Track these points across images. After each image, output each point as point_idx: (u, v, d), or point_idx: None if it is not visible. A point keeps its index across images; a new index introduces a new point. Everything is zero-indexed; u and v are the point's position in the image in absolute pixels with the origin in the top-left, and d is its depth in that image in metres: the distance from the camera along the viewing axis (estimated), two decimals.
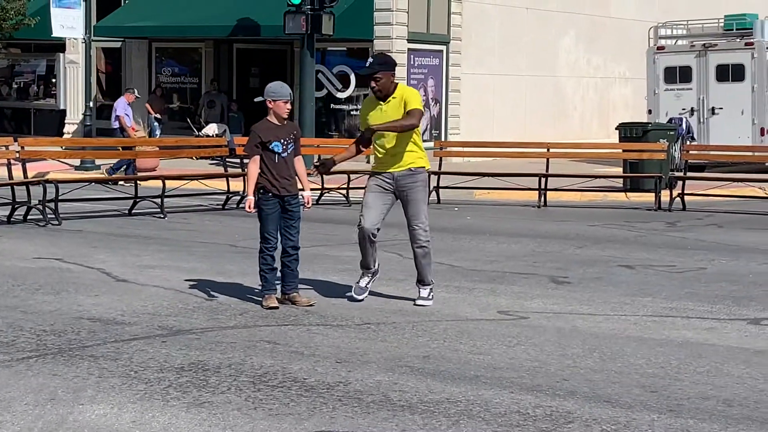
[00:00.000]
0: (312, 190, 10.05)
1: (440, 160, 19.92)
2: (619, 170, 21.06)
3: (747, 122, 24.00)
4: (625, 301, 9.62)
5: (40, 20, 27.65)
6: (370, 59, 9.40)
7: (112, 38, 28.85)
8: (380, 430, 5.84)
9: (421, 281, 9.40)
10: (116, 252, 12.29)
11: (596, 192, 19.67)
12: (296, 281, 9.34)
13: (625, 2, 31.59)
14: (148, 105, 27.40)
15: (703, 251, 12.84)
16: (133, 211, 16.41)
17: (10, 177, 15.86)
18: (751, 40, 24.20)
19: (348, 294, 9.52)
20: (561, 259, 12.17)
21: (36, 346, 7.64)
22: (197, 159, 23.57)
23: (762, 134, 23.82)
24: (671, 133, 20.93)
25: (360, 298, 9.41)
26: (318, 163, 9.74)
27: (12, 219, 15.07)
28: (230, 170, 18.60)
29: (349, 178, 18.60)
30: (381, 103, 9.23)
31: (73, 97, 30.34)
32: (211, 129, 26.30)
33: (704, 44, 24.73)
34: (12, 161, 16.03)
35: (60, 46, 30.23)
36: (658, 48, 25.34)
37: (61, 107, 31.07)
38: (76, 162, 23.35)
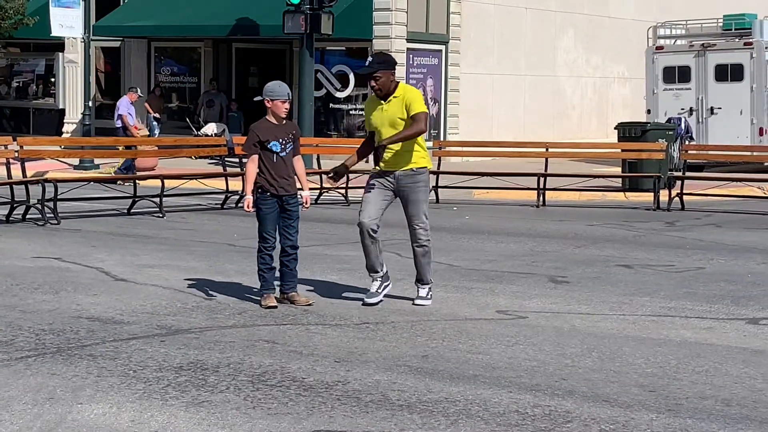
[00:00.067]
0: (311, 189, 10.03)
1: (439, 159, 19.92)
2: (617, 170, 21.07)
3: (746, 122, 24.01)
4: (624, 301, 9.62)
5: (39, 19, 27.64)
6: (370, 58, 9.32)
7: (111, 38, 28.85)
8: (379, 429, 5.84)
9: (420, 280, 9.39)
10: (115, 251, 12.29)
11: (595, 192, 19.67)
12: (295, 281, 9.34)
13: (624, 2, 31.60)
14: (147, 104, 27.40)
15: (701, 251, 12.85)
16: (132, 210, 16.41)
17: (9, 176, 15.87)
18: (750, 40, 24.21)
19: (362, 299, 9.42)
20: (560, 258, 12.18)
21: (35, 346, 7.64)
22: (196, 158, 23.59)
23: (761, 134, 23.83)
24: (670, 132, 20.94)
25: (370, 301, 9.18)
26: (332, 174, 9.60)
27: (11, 218, 15.07)
28: (229, 170, 18.60)
29: (348, 177, 18.58)
30: (382, 102, 9.19)
31: (72, 96, 30.35)
32: (210, 128, 26.31)
33: (703, 44, 24.74)
34: (11, 160, 16.05)
35: (59, 45, 30.24)
36: (657, 48, 25.34)
37: (60, 107, 31.07)
38: (75, 161, 23.36)
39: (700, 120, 24.60)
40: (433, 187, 18.03)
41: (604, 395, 6.52)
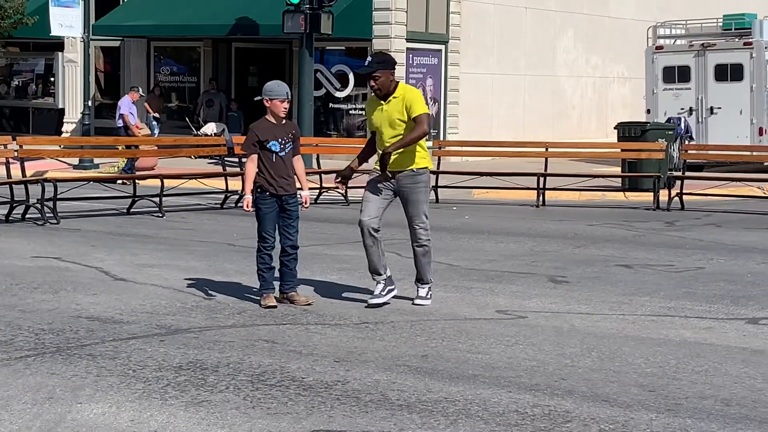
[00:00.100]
0: (310, 189, 10.03)
1: (439, 159, 19.93)
2: (617, 170, 21.07)
3: (745, 122, 24.02)
4: (624, 301, 9.62)
5: (38, 19, 27.64)
6: (369, 58, 9.29)
7: (110, 37, 28.86)
8: (378, 429, 5.84)
9: (419, 280, 9.38)
10: (114, 251, 12.29)
11: (595, 191, 19.66)
12: (295, 280, 9.33)
13: (624, 2, 31.60)
14: (146, 104, 27.39)
15: (701, 251, 12.85)
16: (132, 210, 16.41)
17: (9, 176, 15.88)
18: (750, 40, 24.22)
19: (363, 300, 9.40)
20: (559, 258, 12.18)
21: (34, 345, 7.64)
22: (196, 158, 23.60)
23: (760, 134, 23.83)
24: (670, 132, 20.94)
25: (374, 302, 9.08)
26: (339, 179, 9.52)
27: (10, 218, 15.06)
28: (228, 169, 18.61)
29: None
30: (382, 102, 9.16)
31: (71, 96, 30.35)
32: (210, 128, 26.31)
33: (703, 44, 24.75)
34: (10, 160, 16.04)
35: (58, 45, 30.24)
36: (657, 47, 25.35)
37: (60, 106, 31.08)
38: (75, 161, 23.36)
39: (700, 120, 24.61)
40: (432, 186, 18.02)
41: (603, 395, 6.52)
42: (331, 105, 26.58)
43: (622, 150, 20.21)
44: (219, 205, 17.57)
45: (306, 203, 9.48)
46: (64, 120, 30.60)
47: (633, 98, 30.42)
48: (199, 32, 27.18)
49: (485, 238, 13.93)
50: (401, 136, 9.08)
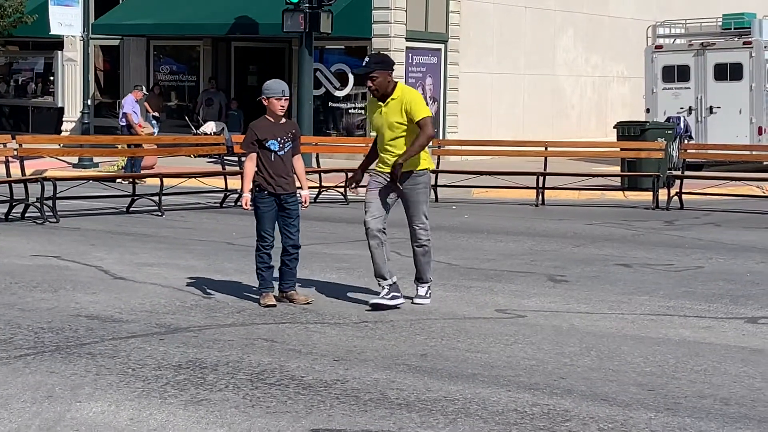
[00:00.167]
0: (310, 188, 10.02)
1: (438, 158, 19.93)
2: (617, 169, 21.07)
3: (745, 121, 24.02)
4: (623, 300, 9.62)
5: (38, 18, 27.63)
6: (367, 58, 9.27)
7: (110, 36, 28.85)
8: (378, 428, 5.84)
9: (419, 279, 9.38)
10: (114, 250, 12.29)
11: (594, 191, 19.67)
12: (294, 279, 9.33)
13: (623, 1, 31.60)
14: (146, 103, 27.39)
15: (700, 250, 12.85)
16: (131, 208, 16.41)
17: (8, 174, 15.87)
18: (749, 39, 24.22)
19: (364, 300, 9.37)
20: (559, 257, 12.18)
21: (33, 344, 7.64)
22: (195, 157, 23.59)
23: (760, 133, 23.83)
24: (669, 132, 20.94)
25: (375, 302, 8.97)
26: (353, 185, 9.41)
27: (10, 216, 15.06)
28: (228, 168, 18.61)
29: (347, 176, 18.44)
30: (381, 104, 9.12)
31: (71, 94, 30.35)
32: (209, 127, 26.30)
33: (702, 43, 24.75)
34: (10, 159, 16.04)
35: (58, 43, 30.23)
36: (657, 47, 25.35)
37: (59, 105, 31.07)
38: (74, 160, 23.37)
39: (699, 119, 24.61)
40: (432, 186, 18.01)
41: (602, 394, 6.53)
42: (330, 104, 26.58)
43: (622, 149, 20.21)
44: (218, 204, 17.58)
45: (306, 203, 9.48)
46: (63, 119, 30.60)
47: (632, 97, 30.42)
48: (198, 31, 27.17)
49: (484, 237, 13.93)
50: (401, 138, 9.05)
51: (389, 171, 9.10)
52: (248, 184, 9.25)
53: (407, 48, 25.85)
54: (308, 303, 9.17)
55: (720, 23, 25.30)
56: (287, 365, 7.10)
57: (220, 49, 28.82)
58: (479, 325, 8.55)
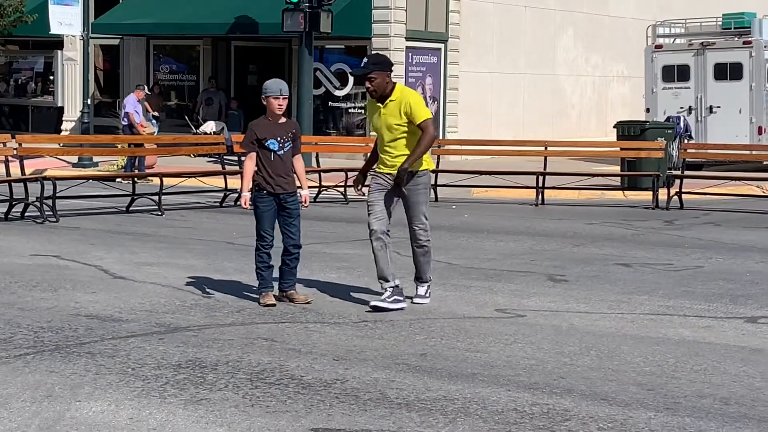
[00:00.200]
0: (309, 188, 10.02)
1: (438, 158, 19.93)
2: (616, 168, 21.07)
3: (745, 121, 24.02)
4: (622, 300, 9.62)
5: (38, 17, 27.62)
6: (365, 59, 9.24)
7: (110, 35, 28.84)
8: (377, 427, 5.84)
9: (419, 278, 9.37)
10: (114, 249, 12.29)
11: (594, 190, 19.67)
12: (294, 279, 9.33)
13: (623, 1, 31.61)
14: (146, 103, 27.39)
15: (700, 249, 12.85)
16: (131, 208, 16.41)
17: (8, 174, 15.86)
18: (749, 39, 24.23)
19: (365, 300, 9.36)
20: (558, 257, 12.18)
21: (33, 343, 7.64)
22: (195, 156, 23.58)
23: (760, 133, 23.84)
24: (669, 131, 20.94)
25: (375, 304, 8.92)
26: (360, 188, 9.36)
27: (9, 216, 15.06)
28: (228, 168, 18.61)
29: (346, 175, 18.59)
30: (380, 106, 9.09)
31: (70, 94, 30.34)
32: (209, 126, 26.30)
33: (702, 43, 24.75)
34: (10, 158, 16.04)
35: (58, 43, 30.22)
36: (656, 46, 25.35)
37: (59, 104, 31.07)
38: (74, 159, 23.38)
39: (699, 119, 24.61)
40: (432, 185, 18.01)
41: (602, 394, 6.53)
42: (330, 103, 26.58)
43: (622, 149, 20.22)
44: (218, 204, 17.58)
45: (306, 202, 9.47)
46: (63, 118, 30.59)
47: (632, 97, 30.42)
48: (198, 30, 27.17)
49: (484, 237, 13.93)
50: (400, 139, 9.02)
51: (389, 172, 9.09)
52: (247, 184, 9.25)
53: (407, 47, 25.85)
54: (308, 303, 9.17)
55: (720, 23, 25.30)
56: (287, 365, 7.10)
57: (220, 49, 28.82)
58: (479, 324, 8.55)
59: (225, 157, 19.11)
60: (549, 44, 29.50)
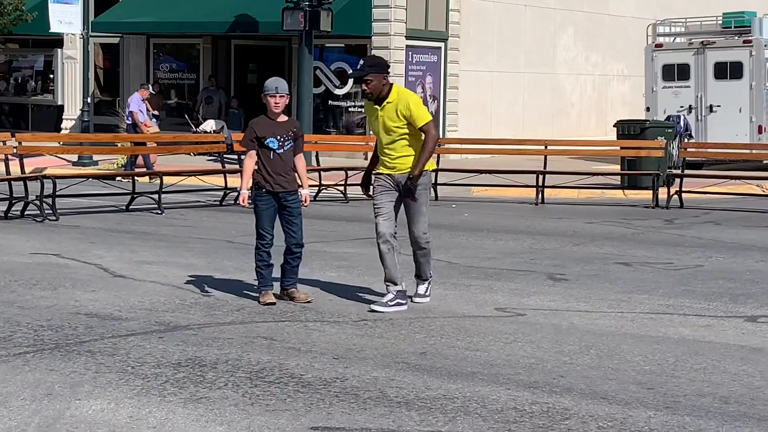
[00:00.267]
0: (309, 186, 10.01)
1: (438, 156, 19.92)
2: (616, 167, 21.07)
3: (745, 120, 24.02)
4: (622, 299, 9.62)
5: (38, 15, 27.62)
6: (361, 61, 9.21)
7: (109, 34, 28.84)
8: (377, 426, 5.84)
9: (419, 276, 9.36)
10: (113, 248, 12.29)
11: (594, 189, 19.67)
12: (296, 277, 9.33)
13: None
14: (146, 102, 27.38)
15: (700, 248, 12.85)
16: (131, 206, 16.41)
17: (8, 172, 15.86)
18: (749, 38, 24.22)
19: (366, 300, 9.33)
20: (558, 256, 12.18)
21: (33, 342, 7.64)
22: (195, 155, 23.59)
23: (760, 132, 23.83)
24: (669, 130, 20.95)
25: (377, 309, 8.85)
26: (366, 189, 9.33)
27: (9, 214, 15.06)
28: (227, 166, 18.61)
29: (346, 174, 18.60)
30: (377, 108, 9.04)
31: (70, 92, 30.33)
32: (209, 125, 26.30)
33: (702, 42, 24.75)
34: (9, 156, 16.04)
35: (58, 41, 30.22)
36: (657, 45, 25.35)
37: (59, 103, 31.06)
38: (74, 158, 23.38)
39: (699, 118, 24.61)
40: (432, 184, 18.01)
41: (602, 392, 6.53)
42: (330, 102, 26.58)
43: (622, 148, 20.21)
44: (218, 203, 17.58)
45: (306, 202, 9.45)
46: (63, 117, 30.58)
47: (632, 96, 30.42)
48: (198, 29, 27.17)
49: (484, 236, 13.93)
50: (399, 141, 8.97)
51: (389, 173, 9.08)
52: (246, 182, 9.25)
53: (407, 46, 25.85)
54: (308, 302, 9.17)
55: (720, 22, 25.30)
56: (286, 363, 7.11)
57: (220, 47, 28.81)
58: (479, 323, 8.55)
59: (225, 155, 19.11)
60: (549, 43, 29.50)
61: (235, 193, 17.03)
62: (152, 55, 29.39)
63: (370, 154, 9.49)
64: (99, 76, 30.40)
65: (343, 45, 26.44)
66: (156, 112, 27.40)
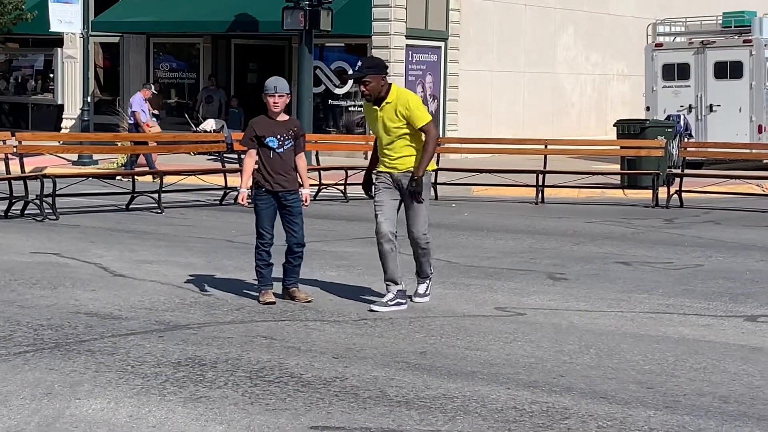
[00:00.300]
0: (310, 186, 10.01)
1: (438, 156, 19.91)
2: (616, 167, 21.07)
3: (745, 119, 24.02)
4: (622, 298, 9.62)
5: (38, 15, 27.61)
6: (359, 63, 9.19)
7: (110, 33, 28.84)
8: (377, 425, 5.84)
9: (419, 274, 9.35)
10: (113, 247, 12.29)
11: (594, 189, 19.68)
12: (297, 277, 9.32)
13: None
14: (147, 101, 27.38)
15: (700, 248, 12.85)
16: (131, 206, 16.41)
17: (8, 172, 15.86)
18: (749, 38, 24.22)
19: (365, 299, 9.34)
20: (558, 255, 12.18)
21: (33, 341, 7.64)
22: (195, 154, 23.59)
23: (760, 131, 23.84)
24: (669, 130, 20.95)
25: (377, 309, 8.86)
26: (368, 189, 9.33)
27: (9, 214, 15.06)
28: (227, 166, 18.61)
29: (346, 173, 18.60)
30: (376, 108, 9.03)
31: (70, 92, 30.33)
32: (209, 125, 26.30)
33: (702, 41, 24.75)
34: (9, 156, 16.04)
35: (58, 40, 30.21)
36: (657, 45, 25.35)
37: (59, 102, 31.06)
38: (74, 157, 23.37)
39: (699, 117, 24.61)
40: (432, 183, 18.01)
41: (601, 392, 6.53)
42: (330, 102, 26.58)
43: (622, 147, 20.22)
44: (218, 202, 17.58)
45: (306, 202, 9.45)
46: (63, 116, 30.58)
47: (632, 95, 30.42)
48: (198, 28, 27.17)
49: (484, 235, 13.93)
50: (399, 141, 8.96)
51: (389, 171, 9.07)
52: (246, 180, 9.25)
53: (407, 46, 25.85)
54: (308, 301, 9.17)
55: (720, 21, 25.30)
56: (286, 362, 7.11)
57: (220, 47, 28.81)
58: (478, 322, 8.55)
59: (225, 155, 19.11)
60: (549, 43, 29.50)
61: (235, 193, 17.03)
62: (152, 54, 29.39)
63: (369, 154, 9.47)
64: (99, 76, 30.40)
65: (343, 44, 26.45)
66: (156, 112, 27.41)
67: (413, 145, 9.02)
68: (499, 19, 28.08)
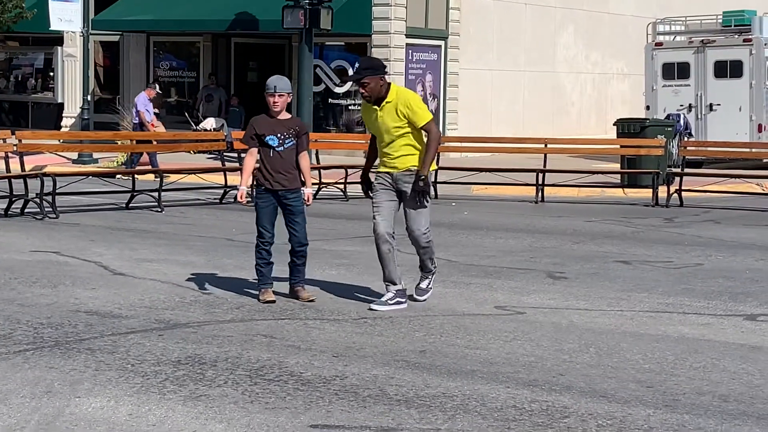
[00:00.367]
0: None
1: (438, 155, 19.87)
2: (616, 166, 21.08)
3: (745, 119, 24.02)
4: (622, 297, 9.62)
5: (38, 13, 27.61)
6: (357, 64, 9.17)
7: (110, 32, 28.84)
8: (376, 424, 5.84)
9: (422, 268, 9.33)
10: (113, 245, 12.29)
11: (594, 188, 19.68)
12: (302, 275, 9.32)
13: None
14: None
15: (700, 247, 12.86)
16: (131, 204, 16.41)
17: (8, 170, 15.86)
18: (750, 37, 24.21)
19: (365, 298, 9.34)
20: (558, 254, 12.18)
21: (33, 339, 7.64)
22: (195, 153, 23.60)
23: (759, 131, 23.83)
24: (669, 129, 20.95)
25: (377, 308, 8.85)
26: (367, 189, 9.29)
27: (9, 212, 15.06)
28: (227, 164, 18.60)
29: (346, 172, 18.60)
30: (376, 108, 9.01)
31: (70, 90, 30.33)
32: (209, 123, 26.30)
33: (702, 40, 24.74)
34: (9, 154, 16.04)
35: (58, 39, 30.21)
36: (657, 44, 25.34)
37: (59, 101, 31.06)
38: (74, 155, 23.37)
39: (699, 116, 24.61)
40: (432, 182, 18.00)
41: (601, 391, 6.53)
42: (330, 100, 26.58)
43: (621, 146, 20.23)
44: (218, 201, 17.58)
45: (308, 201, 9.44)
46: (63, 114, 30.58)
47: (632, 95, 30.41)
48: (198, 27, 27.17)
49: (484, 234, 13.93)
50: (399, 140, 8.93)
51: (388, 171, 9.06)
52: (246, 179, 9.26)
53: (407, 45, 25.84)
54: (310, 301, 9.17)
55: (720, 20, 25.29)
56: (286, 361, 7.11)
57: (220, 46, 28.81)
58: (478, 321, 8.56)
59: (225, 153, 19.10)
60: (549, 42, 29.49)
61: (235, 191, 17.03)
62: (152, 53, 29.38)
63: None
64: (99, 74, 30.39)
65: (343, 43, 26.44)
66: (156, 110, 27.41)
67: (413, 144, 9.00)
68: (499, 18, 28.08)
